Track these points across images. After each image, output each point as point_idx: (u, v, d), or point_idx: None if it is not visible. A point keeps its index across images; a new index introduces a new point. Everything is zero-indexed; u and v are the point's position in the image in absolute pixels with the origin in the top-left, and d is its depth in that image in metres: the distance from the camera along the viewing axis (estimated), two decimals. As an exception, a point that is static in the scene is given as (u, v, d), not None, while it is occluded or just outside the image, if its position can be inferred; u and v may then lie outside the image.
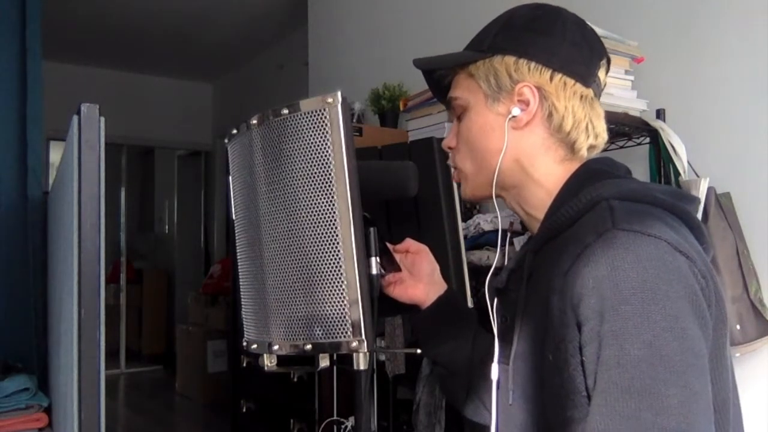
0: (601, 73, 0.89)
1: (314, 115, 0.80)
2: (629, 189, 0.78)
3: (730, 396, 0.77)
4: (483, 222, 1.97)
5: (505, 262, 0.95)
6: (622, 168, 0.89)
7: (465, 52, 0.91)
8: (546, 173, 0.87)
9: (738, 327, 1.58)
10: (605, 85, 0.92)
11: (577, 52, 0.86)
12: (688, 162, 1.71)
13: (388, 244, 1.03)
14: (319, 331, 0.81)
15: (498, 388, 0.88)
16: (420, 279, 1.05)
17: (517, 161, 0.87)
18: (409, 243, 1.07)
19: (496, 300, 0.91)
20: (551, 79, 0.84)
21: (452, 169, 0.97)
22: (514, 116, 0.86)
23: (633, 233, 0.71)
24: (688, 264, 0.71)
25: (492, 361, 0.89)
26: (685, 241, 0.73)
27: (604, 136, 0.90)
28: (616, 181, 0.81)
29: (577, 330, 0.71)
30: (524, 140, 0.87)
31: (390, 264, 1.01)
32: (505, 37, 0.87)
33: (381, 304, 0.90)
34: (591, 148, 0.89)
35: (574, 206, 0.79)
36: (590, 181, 0.81)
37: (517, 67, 0.85)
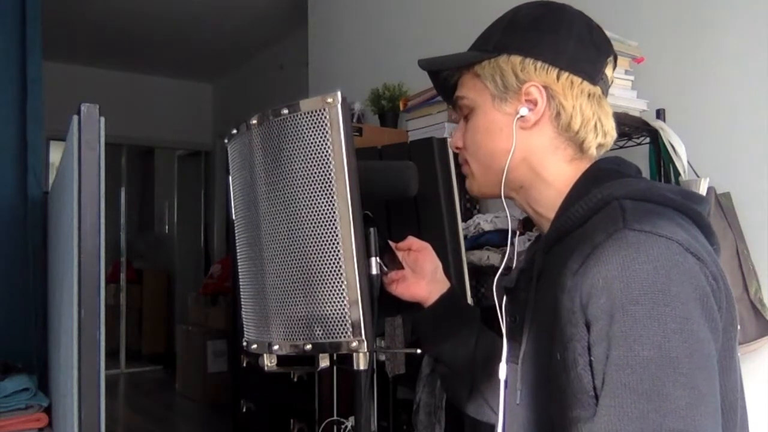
0: (608, 71, 0.89)
1: (314, 115, 0.80)
2: (640, 189, 0.78)
3: (738, 398, 0.77)
4: (483, 222, 1.97)
5: (514, 262, 0.94)
6: (632, 167, 0.88)
7: (470, 53, 0.90)
8: (555, 173, 0.86)
9: (738, 327, 1.58)
10: (612, 82, 0.92)
11: (584, 50, 0.85)
12: (688, 162, 1.71)
13: (391, 242, 1.03)
14: (319, 331, 0.81)
15: (506, 387, 0.88)
16: (422, 277, 1.05)
17: (526, 161, 0.87)
18: (412, 241, 1.07)
19: (505, 299, 0.91)
20: (558, 78, 0.84)
21: (460, 165, 0.97)
22: (522, 116, 0.85)
23: (644, 233, 0.70)
24: (699, 265, 0.71)
25: (499, 360, 0.89)
26: (696, 241, 0.73)
27: (612, 134, 0.89)
28: (627, 181, 0.80)
29: (585, 329, 0.71)
30: (532, 140, 0.86)
31: (392, 262, 1.01)
32: (510, 36, 0.87)
33: (382, 303, 0.90)
34: (600, 146, 0.88)
35: (584, 205, 0.79)
36: (601, 181, 0.81)
37: (523, 66, 0.85)
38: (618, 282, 0.69)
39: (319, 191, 0.80)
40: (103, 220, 1.05)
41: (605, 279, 0.69)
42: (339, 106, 0.79)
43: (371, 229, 0.89)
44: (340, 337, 0.80)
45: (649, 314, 0.67)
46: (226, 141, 0.96)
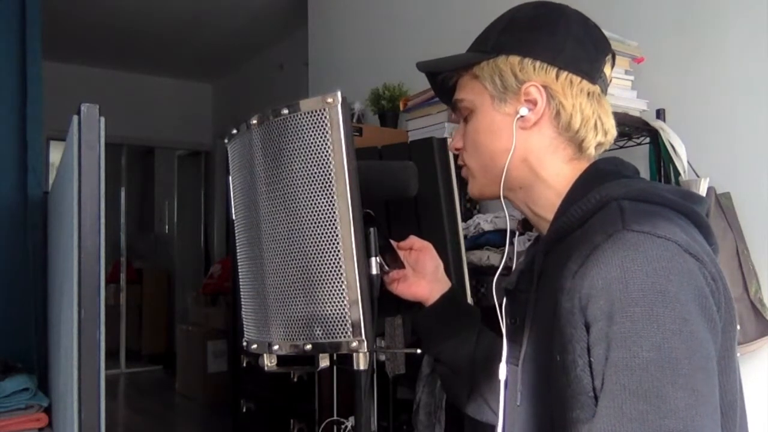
0: (607, 69, 0.89)
1: (314, 115, 0.80)
2: (639, 189, 0.78)
3: (738, 398, 0.77)
4: (483, 222, 1.97)
5: (514, 263, 0.94)
6: (631, 168, 0.88)
7: (468, 54, 0.90)
8: (554, 173, 0.86)
9: (738, 327, 1.58)
10: (611, 80, 0.92)
11: (582, 49, 0.85)
12: (688, 162, 1.71)
13: (392, 241, 1.03)
14: (319, 331, 0.81)
15: (506, 388, 0.88)
16: (423, 276, 1.05)
17: (525, 161, 0.87)
18: (413, 240, 1.07)
19: (505, 300, 0.91)
20: (557, 77, 0.84)
21: (460, 167, 0.97)
22: (521, 116, 0.85)
23: (643, 234, 0.70)
24: (698, 266, 0.70)
25: (500, 361, 0.89)
26: (695, 242, 0.73)
27: (613, 132, 0.89)
28: (626, 181, 0.80)
29: (585, 331, 0.71)
30: (532, 140, 0.86)
31: (393, 261, 1.01)
32: (508, 36, 0.87)
33: (383, 302, 0.90)
34: (599, 145, 0.88)
35: (583, 206, 0.79)
36: (599, 181, 0.81)
37: (522, 66, 0.85)
38: (617, 283, 0.68)
39: (319, 191, 0.80)
40: (103, 220, 1.06)
41: (604, 280, 0.69)
42: (339, 106, 0.79)
43: (371, 229, 0.89)
44: (340, 337, 0.80)
45: (648, 315, 0.67)
46: (226, 141, 0.96)
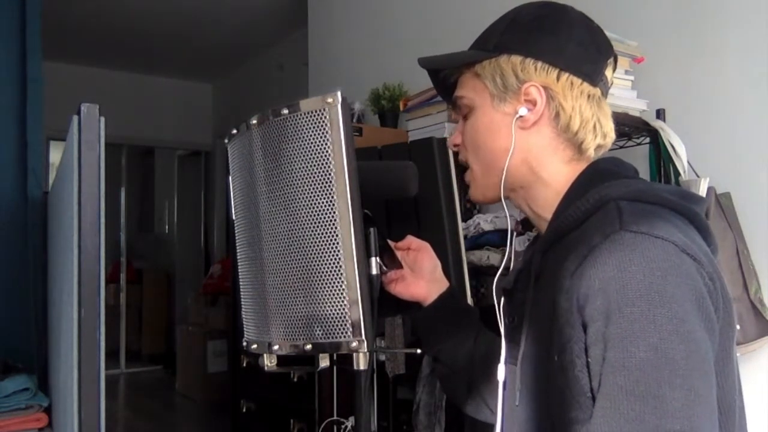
0: (608, 72, 0.89)
1: (314, 115, 0.80)
2: (637, 189, 0.78)
3: (736, 398, 0.76)
4: (483, 222, 1.97)
5: (511, 263, 0.94)
6: (630, 168, 0.88)
7: (470, 52, 0.90)
8: (554, 173, 0.86)
9: (738, 327, 1.58)
10: (612, 83, 0.92)
11: (584, 51, 0.85)
12: (688, 162, 1.71)
13: (390, 242, 1.04)
14: (319, 331, 0.81)
15: (504, 388, 0.88)
16: (422, 276, 1.05)
17: (525, 161, 0.87)
18: (411, 240, 1.07)
19: (503, 300, 0.91)
20: (558, 78, 0.84)
21: (461, 168, 0.96)
22: (521, 116, 0.85)
23: (640, 235, 0.70)
24: (696, 266, 0.70)
25: (498, 361, 0.89)
26: (693, 242, 0.73)
27: (612, 135, 0.89)
28: (624, 182, 0.80)
29: (582, 331, 0.71)
30: (531, 140, 0.86)
31: (391, 261, 1.01)
32: (511, 36, 0.87)
33: (382, 303, 0.90)
34: (598, 147, 0.88)
35: (581, 206, 0.79)
36: (598, 181, 0.81)
37: (523, 66, 0.85)
38: (614, 283, 0.68)
39: (319, 191, 0.80)
40: (103, 220, 1.06)
41: (601, 280, 0.69)
42: (339, 106, 0.79)
43: (371, 229, 0.89)
44: (340, 337, 0.80)
45: (645, 316, 0.67)
46: (226, 141, 0.96)
